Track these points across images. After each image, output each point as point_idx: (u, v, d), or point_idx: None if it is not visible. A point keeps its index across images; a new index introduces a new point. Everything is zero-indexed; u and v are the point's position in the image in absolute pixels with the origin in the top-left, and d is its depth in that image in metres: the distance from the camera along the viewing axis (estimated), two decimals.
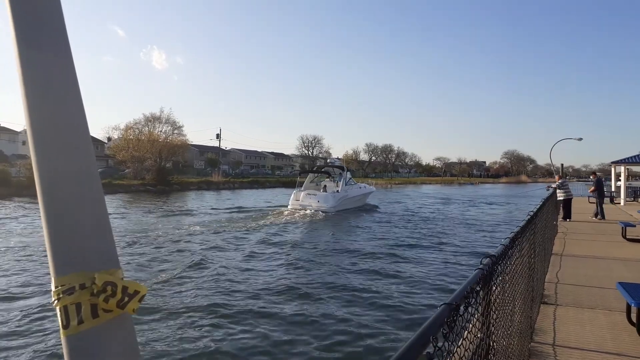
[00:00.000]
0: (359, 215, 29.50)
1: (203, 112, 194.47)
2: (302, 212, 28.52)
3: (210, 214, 28.93)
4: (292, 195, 30.96)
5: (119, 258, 1.00)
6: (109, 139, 79.50)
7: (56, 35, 0.99)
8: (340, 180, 32.75)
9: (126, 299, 0.92)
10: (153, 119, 66.73)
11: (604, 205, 19.11)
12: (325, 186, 32.88)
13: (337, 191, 31.34)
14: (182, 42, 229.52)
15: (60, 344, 0.94)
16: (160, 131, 66.95)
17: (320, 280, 11.79)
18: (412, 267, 13.58)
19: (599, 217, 18.32)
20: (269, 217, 26.79)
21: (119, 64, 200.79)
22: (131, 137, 64.68)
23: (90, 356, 0.91)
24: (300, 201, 30.20)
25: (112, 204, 35.21)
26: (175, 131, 68.51)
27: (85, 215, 0.95)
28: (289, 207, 30.27)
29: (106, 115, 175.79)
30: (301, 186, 32.84)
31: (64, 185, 0.95)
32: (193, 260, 14.00)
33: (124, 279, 0.96)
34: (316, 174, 35.62)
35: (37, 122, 0.95)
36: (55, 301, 0.91)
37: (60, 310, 0.91)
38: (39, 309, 9.17)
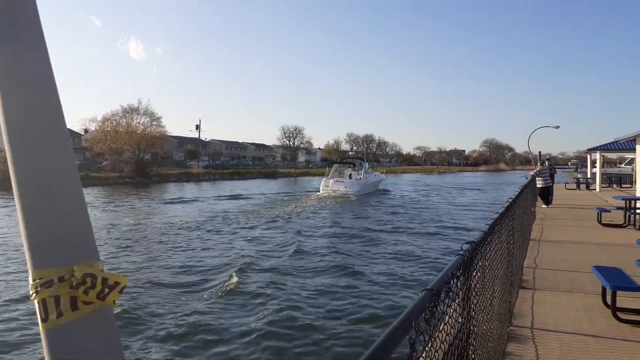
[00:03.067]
0: (378, 197, 36.57)
1: (183, 104, 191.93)
2: (332, 195, 35.62)
3: (252, 198, 35.71)
4: (322, 182, 38.63)
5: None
6: (86, 130, 78.02)
7: (30, 28, 0.97)
8: (361, 170, 40.33)
9: (106, 290, 0.91)
10: (131, 111, 65.79)
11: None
12: (350, 174, 39.71)
13: (360, 178, 38.67)
14: (161, 33, 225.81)
15: (40, 338, 0.92)
16: (139, 123, 66.09)
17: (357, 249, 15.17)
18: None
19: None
20: (306, 199, 33.57)
21: (96, 55, 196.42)
22: (109, 128, 63.67)
23: (71, 349, 0.90)
24: (330, 187, 37.38)
25: (95, 196, 34.65)
26: (154, 122, 67.71)
27: (63, 207, 0.94)
28: (320, 191, 37.57)
29: (83, 107, 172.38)
30: (328, 174, 40.42)
31: (41, 177, 0.93)
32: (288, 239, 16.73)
33: (104, 270, 0.95)
34: (339, 164, 43.33)
35: (12, 116, 0.93)
36: (33, 294, 0.90)
37: (38, 304, 0.90)
38: (14, 303, 9.04)
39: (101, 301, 0.91)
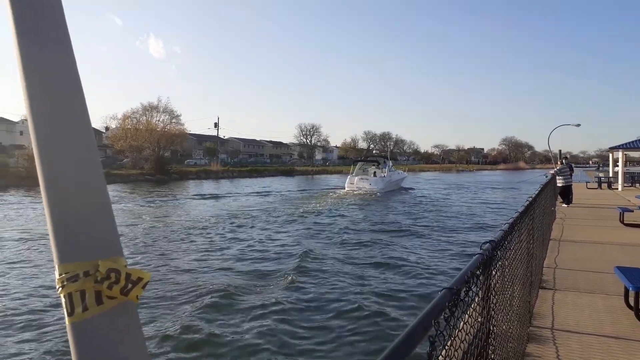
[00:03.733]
0: (401, 194, 37.94)
1: (202, 102, 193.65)
2: (357, 193, 36.80)
3: (283, 193, 38.20)
4: (347, 179, 40.00)
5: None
6: (107, 128, 79.20)
7: (57, 32, 0.99)
8: (385, 168, 41.85)
9: (130, 285, 0.93)
10: (151, 108, 66.58)
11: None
12: (375, 172, 40.97)
13: (384, 176, 40.17)
14: (180, 31, 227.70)
15: (65, 331, 0.94)
16: (158, 120, 66.83)
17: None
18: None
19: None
20: (334, 196, 35.29)
21: (116, 53, 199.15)
22: (129, 126, 64.52)
23: (95, 342, 0.92)
24: (355, 184, 38.62)
25: (117, 193, 35.28)
26: (173, 120, 68.41)
27: (87, 203, 0.96)
28: (345, 188, 39.02)
29: (104, 104, 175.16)
30: (353, 172, 41.81)
31: (67, 174, 0.95)
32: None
33: (127, 266, 0.96)
34: (364, 162, 45.16)
35: (40, 119, 0.96)
36: (60, 289, 0.92)
37: (64, 298, 0.92)
38: (43, 297, 9.25)
39: (124, 296, 0.92)
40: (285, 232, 18.16)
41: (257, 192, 38.73)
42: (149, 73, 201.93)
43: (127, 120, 65.62)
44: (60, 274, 0.92)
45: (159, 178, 55.32)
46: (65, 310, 0.92)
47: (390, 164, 45.34)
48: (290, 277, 10.79)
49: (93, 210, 0.96)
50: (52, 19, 0.98)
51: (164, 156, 64.69)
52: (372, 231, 18.52)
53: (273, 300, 9.20)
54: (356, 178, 39.60)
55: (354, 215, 23.59)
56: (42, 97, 0.95)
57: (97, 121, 75.54)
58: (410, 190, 42.08)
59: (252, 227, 19.32)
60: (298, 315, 8.46)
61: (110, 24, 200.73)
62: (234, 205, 28.64)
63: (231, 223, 20.08)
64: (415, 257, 13.28)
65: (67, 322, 0.92)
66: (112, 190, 37.86)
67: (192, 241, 15.81)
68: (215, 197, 34.77)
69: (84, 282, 0.91)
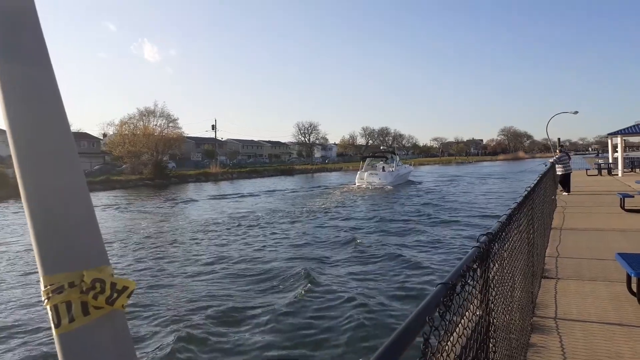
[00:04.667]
0: (409, 187, 39.75)
1: (198, 104, 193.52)
2: (367, 187, 38.42)
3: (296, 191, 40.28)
4: (357, 175, 41.76)
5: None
6: (105, 135, 79.16)
7: (35, 45, 0.98)
8: (393, 163, 43.81)
9: (115, 295, 0.92)
10: (147, 113, 66.50)
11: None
12: (383, 167, 42.39)
13: (392, 171, 41.86)
14: (174, 35, 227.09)
15: (53, 342, 0.93)
16: (156, 125, 66.76)
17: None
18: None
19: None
20: (346, 190, 37.39)
21: (111, 59, 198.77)
22: (126, 132, 64.45)
23: (84, 353, 0.91)
24: (365, 179, 40.34)
25: (118, 199, 35.29)
26: (171, 124, 68.33)
27: (70, 213, 0.95)
28: (356, 183, 40.76)
29: (101, 111, 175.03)
30: (362, 168, 43.20)
31: (48, 185, 0.94)
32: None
33: (113, 275, 0.95)
34: (372, 158, 46.29)
35: (18, 128, 0.95)
36: (46, 300, 0.91)
37: (51, 309, 0.91)
38: (29, 309, 9.24)
39: (110, 306, 0.92)
40: (307, 226, 19.38)
41: (266, 192, 39.66)
42: (145, 78, 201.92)
43: (124, 126, 65.55)
44: (45, 286, 0.91)
45: (158, 182, 55.31)
46: (52, 322, 0.91)
47: (398, 158, 47.17)
48: (306, 274, 10.94)
49: (76, 220, 0.95)
50: (29, 32, 0.98)
51: (163, 160, 64.67)
52: (393, 221, 20.07)
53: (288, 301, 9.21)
54: (366, 173, 41.15)
55: (370, 208, 25.08)
56: (20, 109, 0.95)
57: (95, 128, 75.97)
58: (416, 183, 43.82)
59: (272, 225, 19.99)
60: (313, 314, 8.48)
61: (104, 30, 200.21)
62: (242, 206, 28.89)
63: (240, 225, 20.13)
64: (433, 248, 14.11)
65: (54, 334, 0.91)
66: (112, 197, 37.94)
67: (202, 245, 15.83)
68: (222, 198, 35.56)
69: (70, 293, 0.90)
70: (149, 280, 11.11)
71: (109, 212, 27.21)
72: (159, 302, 9.42)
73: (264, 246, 14.99)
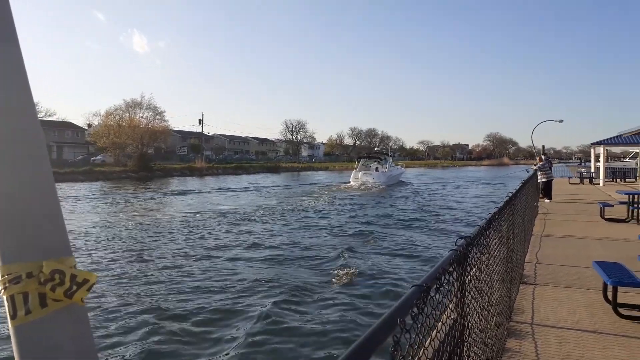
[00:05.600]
0: (401, 187, 41.73)
1: (186, 98, 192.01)
2: (361, 186, 40.08)
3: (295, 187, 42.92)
4: (352, 174, 43.61)
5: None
6: (89, 125, 78.15)
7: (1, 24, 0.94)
8: (386, 163, 45.74)
9: (74, 287, 0.89)
10: (134, 105, 65.88)
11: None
12: (377, 167, 44.33)
13: (385, 171, 43.90)
14: (164, 26, 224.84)
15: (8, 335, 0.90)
16: (142, 117, 66.16)
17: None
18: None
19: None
20: (341, 189, 39.10)
21: (100, 49, 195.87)
22: (112, 123, 63.74)
23: (40, 346, 0.88)
24: (360, 178, 42.11)
25: (102, 189, 34.86)
26: (157, 117, 67.77)
27: (32, 202, 0.91)
28: (351, 182, 42.32)
29: (86, 101, 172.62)
30: (356, 168, 45.16)
31: (8, 173, 0.90)
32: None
33: (75, 267, 0.92)
34: (367, 159, 48.10)
35: None
36: (2, 290, 0.87)
37: (7, 300, 0.87)
38: None
39: (69, 299, 0.88)
40: (308, 221, 20.31)
41: (255, 188, 40.91)
42: (133, 69, 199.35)
43: (109, 117, 64.81)
44: (2, 275, 0.88)
45: (142, 175, 54.78)
46: (7, 313, 0.88)
47: (391, 160, 49.21)
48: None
49: (38, 209, 0.91)
50: None
51: (147, 153, 64.07)
52: (385, 217, 21.28)
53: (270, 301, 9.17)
54: (360, 173, 43.07)
55: (366, 206, 26.44)
56: None
57: (79, 118, 74.91)
58: (407, 184, 45.95)
59: (265, 222, 20.07)
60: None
61: (93, 20, 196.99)
62: (227, 202, 28.83)
63: (221, 221, 20.04)
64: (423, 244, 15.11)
65: (9, 326, 0.88)
66: (94, 188, 37.50)
67: (180, 240, 15.67)
68: (207, 193, 35.66)
69: (27, 283, 0.86)
70: (121, 274, 10.96)
71: (88, 203, 26.88)
72: (127, 297, 9.28)
73: (253, 242, 14.96)
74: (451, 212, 23.89)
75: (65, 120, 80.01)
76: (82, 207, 24.75)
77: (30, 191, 0.92)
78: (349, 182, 43.01)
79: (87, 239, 15.53)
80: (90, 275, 0.91)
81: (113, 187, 39.10)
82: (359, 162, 47.60)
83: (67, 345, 0.89)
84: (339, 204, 27.12)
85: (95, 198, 29.96)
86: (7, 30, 0.95)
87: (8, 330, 0.89)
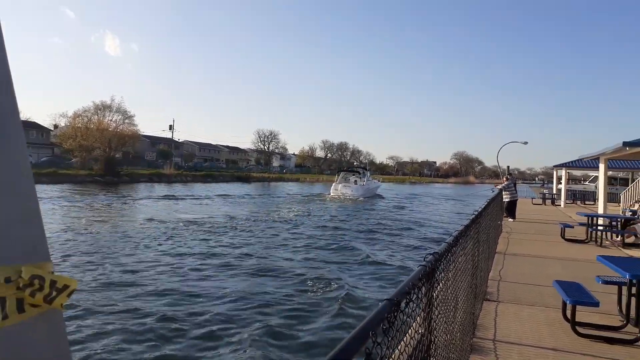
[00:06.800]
0: (377, 200, 45.30)
1: (157, 103, 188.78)
2: (340, 197, 43.45)
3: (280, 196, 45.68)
4: (332, 186, 46.57)
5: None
6: (56, 126, 76.06)
7: None
8: (364, 177, 49.17)
9: (54, 293, 0.88)
10: (103, 107, 64.71)
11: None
12: (355, 180, 47.95)
13: (363, 184, 47.22)
14: (138, 29, 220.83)
15: None
16: (111, 120, 64.98)
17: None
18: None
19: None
20: (322, 199, 42.67)
21: (68, 48, 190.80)
22: (79, 125, 62.33)
23: (16, 352, 0.87)
24: (339, 191, 45.18)
25: (64, 193, 33.84)
26: (126, 121, 66.75)
27: (11, 205, 0.90)
28: (331, 193, 45.53)
29: (53, 101, 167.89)
30: (337, 180, 48.25)
31: None
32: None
33: (54, 272, 0.92)
34: (346, 172, 51.70)
35: None
36: None
37: None
38: None
39: (48, 304, 0.88)
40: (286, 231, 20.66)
41: (224, 196, 42.02)
42: (103, 71, 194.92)
43: (77, 119, 63.39)
44: None
45: (109, 179, 53.63)
46: None
47: (369, 174, 52.60)
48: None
49: (17, 213, 0.91)
50: None
51: (115, 157, 62.82)
52: (359, 231, 21.74)
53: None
54: (340, 185, 46.29)
55: (344, 216, 28.22)
56: None
57: (45, 118, 72.93)
58: (382, 197, 49.07)
59: (248, 231, 20.20)
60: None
61: (62, 16, 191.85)
62: (195, 209, 28.40)
63: (190, 229, 19.78)
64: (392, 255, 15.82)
65: None
66: (58, 191, 36.42)
67: (149, 247, 15.37)
68: (171, 198, 35.71)
69: (5, 288, 0.86)
70: (87, 279, 10.70)
71: (50, 206, 26.10)
72: (97, 303, 9.07)
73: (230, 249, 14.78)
74: (422, 226, 24.76)
75: (29, 120, 77.68)
76: (45, 210, 24.03)
77: (8, 194, 0.90)
78: (329, 193, 45.97)
79: (50, 242, 15.04)
80: (70, 280, 0.91)
81: (78, 191, 38.10)
82: (339, 175, 50.75)
83: (44, 350, 0.89)
84: (321, 215, 28.54)
85: (59, 201, 29.11)
86: None
87: None
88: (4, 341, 0.87)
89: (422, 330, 2.15)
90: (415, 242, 18.83)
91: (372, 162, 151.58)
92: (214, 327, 8.05)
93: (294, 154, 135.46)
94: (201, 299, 9.61)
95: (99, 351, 6.99)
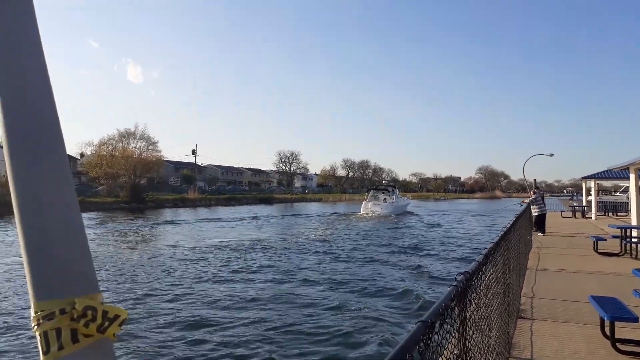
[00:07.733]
0: (409, 217, 45.04)
1: (180, 128, 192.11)
2: (371, 215, 44.01)
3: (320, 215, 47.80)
4: (363, 205, 47.90)
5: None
6: (82, 155, 78.08)
7: (29, 39, 0.97)
8: (393, 195, 49.58)
9: (106, 323, 0.92)
10: (127, 135, 66.11)
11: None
12: (385, 198, 48.83)
13: (393, 202, 47.80)
14: (159, 56, 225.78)
15: None
16: (135, 147, 66.33)
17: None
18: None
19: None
20: (354, 217, 43.55)
21: (93, 78, 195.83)
22: (105, 153, 63.78)
23: None
24: (369, 208, 45.96)
25: (92, 221, 34.57)
26: (150, 147, 68.01)
27: (64, 239, 0.95)
28: (362, 212, 46.29)
29: (79, 130, 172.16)
30: (366, 199, 49.63)
31: (43, 209, 0.94)
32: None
33: (104, 303, 0.96)
34: (375, 190, 53.31)
35: (15, 146, 0.94)
36: (35, 327, 0.91)
37: (40, 336, 0.91)
38: (20, 334, 8.87)
39: (101, 334, 0.92)
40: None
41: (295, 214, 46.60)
42: (126, 98, 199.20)
43: (102, 147, 64.92)
44: (35, 312, 0.91)
45: (135, 206, 54.50)
46: (40, 348, 0.91)
47: (397, 191, 53.41)
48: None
49: (70, 246, 0.95)
50: (22, 21, 0.96)
51: (140, 183, 63.92)
52: (400, 247, 22.45)
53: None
54: (370, 203, 47.11)
55: (384, 233, 29.27)
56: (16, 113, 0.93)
57: (72, 147, 74.58)
58: (413, 214, 49.09)
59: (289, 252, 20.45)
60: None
61: (87, 47, 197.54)
62: (224, 233, 28.56)
63: (223, 252, 19.86)
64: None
65: None
66: (86, 219, 37.19)
67: (180, 273, 15.41)
68: (197, 222, 36.07)
69: (60, 320, 0.90)
70: (131, 307, 10.79)
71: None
72: (139, 332, 9.12)
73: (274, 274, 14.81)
74: (459, 240, 25.51)
75: None
76: None
77: (61, 228, 0.95)
78: (360, 212, 46.53)
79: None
80: (121, 311, 0.95)
81: (106, 218, 38.81)
82: (368, 193, 52.22)
83: None
84: (357, 232, 29.35)
85: (90, 229, 29.70)
86: (34, 45, 0.98)
87: None
88: None
89: (457, 352, 2.13)
90: (453, 256, 19.36)
91: (394, 179, 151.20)
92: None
93: (315, 174, 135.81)
94: (243, 328, 9.59)
95: None
